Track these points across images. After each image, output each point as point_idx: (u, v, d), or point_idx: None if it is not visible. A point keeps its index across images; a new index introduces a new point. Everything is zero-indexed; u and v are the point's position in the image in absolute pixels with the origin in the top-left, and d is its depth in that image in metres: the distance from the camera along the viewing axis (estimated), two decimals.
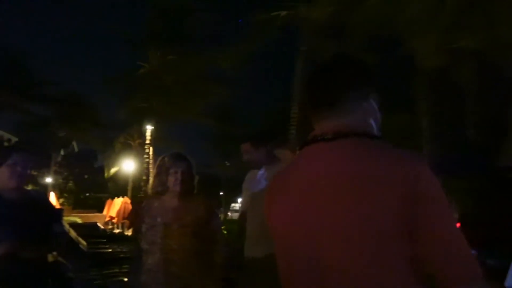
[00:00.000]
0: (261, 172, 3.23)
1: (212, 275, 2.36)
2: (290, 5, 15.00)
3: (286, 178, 1.18)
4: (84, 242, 9.22)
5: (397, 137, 19.81)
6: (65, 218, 15.07)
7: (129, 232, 14.78)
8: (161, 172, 2.41)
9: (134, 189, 23.32)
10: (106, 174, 24.52)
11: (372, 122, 1.15)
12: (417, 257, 0.92)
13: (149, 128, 20.46)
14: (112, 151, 23.91)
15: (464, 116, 15.71)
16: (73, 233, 9.21)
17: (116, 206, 17.55)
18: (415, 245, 0.92)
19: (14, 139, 26.83)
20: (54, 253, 2.39)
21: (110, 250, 9.24)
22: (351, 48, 13.52)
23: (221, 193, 33.18)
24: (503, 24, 11.20)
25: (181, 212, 2.36)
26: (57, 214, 2.73)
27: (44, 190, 21.47)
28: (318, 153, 1.11)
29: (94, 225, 16.54)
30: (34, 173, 25.53)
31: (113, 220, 17.73)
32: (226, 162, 23.54)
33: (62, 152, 33.93)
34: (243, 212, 3.42)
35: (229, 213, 29.62)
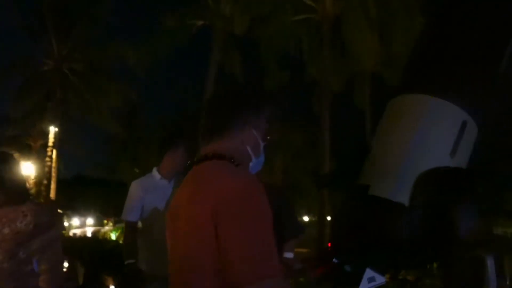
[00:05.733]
0: (169, 184, 3.00)
1: None
2: (207, 15, 15.14)
3: None
4: None
5: (302, 149, 20.83)
6: None
7: None
8: None
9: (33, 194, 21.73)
10: None
11: (247, 148, 1.29)
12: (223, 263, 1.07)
13: (52, 129, 19.26)
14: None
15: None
16: None
17: None
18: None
19: None
20: None
21: None
22: (263, 62, 14.02)
23: None
24: (397, 44, 12.27)
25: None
26: None
27: None
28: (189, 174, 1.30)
29: None
30: None
31: None
32: (135, 169, 22.72)
33: None
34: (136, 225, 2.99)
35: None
